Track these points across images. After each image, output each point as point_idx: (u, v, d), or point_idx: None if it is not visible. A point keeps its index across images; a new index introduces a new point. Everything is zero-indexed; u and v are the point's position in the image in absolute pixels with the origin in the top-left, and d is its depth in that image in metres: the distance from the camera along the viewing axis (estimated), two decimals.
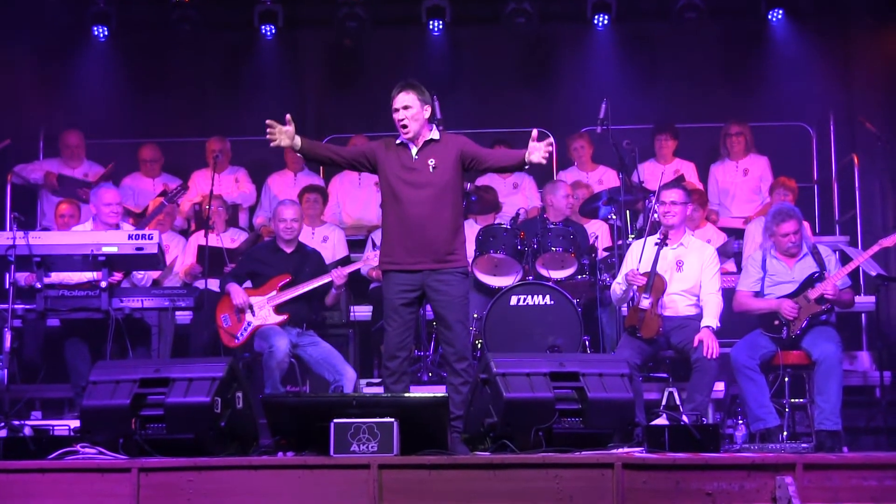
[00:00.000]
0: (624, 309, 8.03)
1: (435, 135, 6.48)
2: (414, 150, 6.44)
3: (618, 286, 7.80)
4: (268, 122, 6.41)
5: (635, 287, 7.57)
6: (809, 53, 10.72)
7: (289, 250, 8.19)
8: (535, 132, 6.33)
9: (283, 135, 6.39)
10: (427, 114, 6.46)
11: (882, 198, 10.35)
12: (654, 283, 7.51)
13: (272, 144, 6.44)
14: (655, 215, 7.86)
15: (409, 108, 6.40)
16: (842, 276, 7.65)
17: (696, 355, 7.35)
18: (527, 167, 6.45)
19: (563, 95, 10.98)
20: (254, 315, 7.97)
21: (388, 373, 6.45)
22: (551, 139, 6.40)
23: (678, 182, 9.00)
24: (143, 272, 8.12)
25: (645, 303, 7.50)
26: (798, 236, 7.74)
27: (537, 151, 6.30)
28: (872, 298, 8.90)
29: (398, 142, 6.50)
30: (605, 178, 10.15)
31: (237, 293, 7.98)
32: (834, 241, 9.93)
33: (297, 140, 6.43)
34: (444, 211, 6.40)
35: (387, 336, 6.49)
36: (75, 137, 10.29)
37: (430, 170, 6.38)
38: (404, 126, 6.40)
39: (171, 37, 10.76)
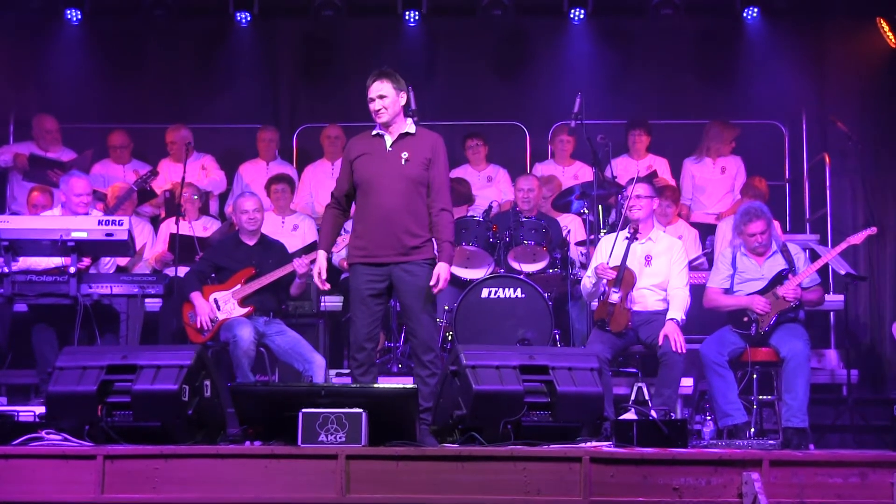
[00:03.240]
0: (594, 303, 8.05)
1: (411, 128, 6.45)
2: (389, 141, 6.41)
3: (588, 280, 7.81)
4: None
5: (605, 281, 7.58)
6: (783, 52, 10.76)
7: (251, 242, 8.14)
8: None
9: (318, 272, 6.48)
10: (403, 101, 6.44)
11: (852, 197, 10.40)
12: (623, 277, 7.53)
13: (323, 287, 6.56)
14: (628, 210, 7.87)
15: (385, 97, 6.36)
16: (809, 273, 7.69)
17: (662, 349, 7.37)
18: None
19: (537, 89, 10.97)
20: (219, 309, 7.92)
21: (356, 364, 6.41)
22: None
23: (648, 178, 9.02)
24: (108, 258, 8.07)
25: (615, 296, 7.52)
26: (766, 236, 7.76)
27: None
28: (841, 297, 8.95)
29: (374, 133, 6.48)
30: (580, 174, 10.17)
31: (201, 308, 7.91)
32: (804, 239, 9.97)
33: (323, 255, 6.51)
34: (415, 203, 6.36)
35: (354, 327, 6.45)
36: (51, 122, 10.18)
37: (403, 162, 6.35)
38: (380, 115, 6.38)
39: (144, 22, 10.68)
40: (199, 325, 7.88)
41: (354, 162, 6.45)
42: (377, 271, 6.36)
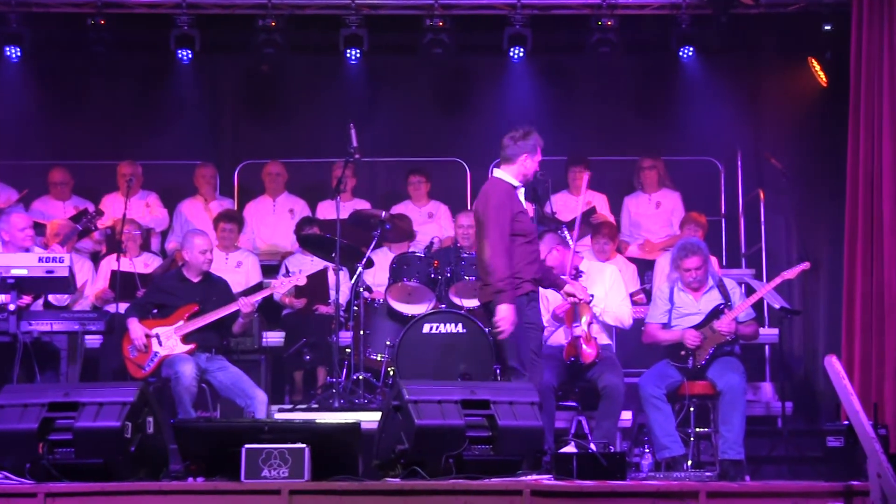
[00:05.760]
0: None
1: None
2: (521, 194, 7.02)
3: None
4: None
5: (562, 315, 7.64)
6: (719, 90, 10.91)
7: (196, 279, 8.11)
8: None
9: None
10: None
11: (786, 232, 10.61)
12: (579, 309, 7.59)
13: None
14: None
15: None
16: (745, 307, 7.82)
17: (602, 383, 7.47)
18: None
19: (478, 125, 11.05)
20: (161, 345, 7.87)
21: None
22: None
23: (587, 214, 9.13)
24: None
25: (577, 330, 7.58)
26: (701, 272, 7.89)
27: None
28: (776, 330, 9.11)
29: (515, 186, 7.01)
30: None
31: (134, 329, 7.90)
32: (740, 273, 10.14)
33: None
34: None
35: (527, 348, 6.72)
36: None
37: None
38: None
39: (85, 58, 10.61)
40: (134, 342, 7.84)
41: (519, 215, 6.89)
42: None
